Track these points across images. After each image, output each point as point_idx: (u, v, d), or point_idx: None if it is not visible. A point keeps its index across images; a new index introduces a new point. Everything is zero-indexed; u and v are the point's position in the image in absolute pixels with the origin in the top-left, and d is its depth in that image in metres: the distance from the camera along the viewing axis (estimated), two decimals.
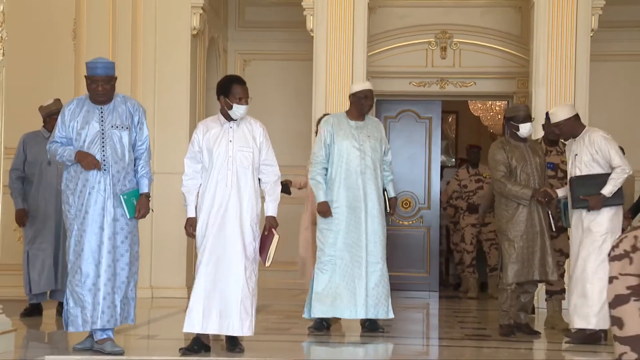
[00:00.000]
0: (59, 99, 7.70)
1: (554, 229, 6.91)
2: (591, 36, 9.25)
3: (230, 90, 5.84)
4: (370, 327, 6.94)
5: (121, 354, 5.66)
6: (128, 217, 5.74)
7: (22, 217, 7.58)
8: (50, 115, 7.53)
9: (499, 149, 6.86)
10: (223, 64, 10.95)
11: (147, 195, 5.89)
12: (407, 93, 11.04)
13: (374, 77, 10.73)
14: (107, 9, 9.53)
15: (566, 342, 6.66)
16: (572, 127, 6.69)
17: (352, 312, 6.82)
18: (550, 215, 6.86)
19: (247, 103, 5.85)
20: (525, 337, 6.79)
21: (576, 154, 6.64)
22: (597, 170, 6.57)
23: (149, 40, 9.60)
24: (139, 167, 5.86)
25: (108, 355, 5.63)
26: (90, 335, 5.76)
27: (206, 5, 9.76)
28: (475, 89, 10.97)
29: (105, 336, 5.71)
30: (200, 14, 9.64)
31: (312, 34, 9.51)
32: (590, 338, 6.53)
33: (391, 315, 6.88)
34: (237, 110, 5.81)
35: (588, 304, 6.51)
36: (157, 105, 9.36)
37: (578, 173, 6.60)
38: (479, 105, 13.02)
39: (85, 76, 5.82)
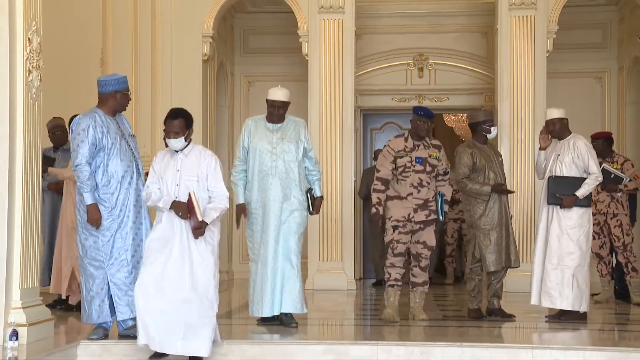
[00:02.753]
0: (57, 117, 7.75)
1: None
2: (547, 57, 9.31)
3: (165, 124, 5.37)
4: (285, 321, 6.22)
5: None
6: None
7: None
8: (53, 129, 7.62)
9: (466, 151, 6.77)
10: (230, 85, 10.97)
11: None
12: (389, 108, 11.08)
13: (361, 95, 10.76)
14: (130, 40, 9.57)
15: (546, 322, 6.65)
16: (562, 129, 6.72)
17: (269, 310, 6.14)
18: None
19: (176, 137, 5.28)
20: (499, 319, 6.76)
21: (559, 154, 6.66)
22: (574, 172, 6.61)
23: (166, 66, 9.64)
24: None
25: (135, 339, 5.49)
26: (100, 326, 5.59)
27: (215, 35, 9.80)
28: (449, 103, 11.00)
29: (134, 323, 5.57)
30: (210, 43, 9.67)
31: (307, 58, 9.56)
32: (571, 316, 6.56)
33: (305, 310, 6.24)
34: (169, 144, 5.37)
35: (552, 287, 6.55)
36: None
37: (558, 171, 6.61)
38: (452, 118, 13.05)
39: (117, 91, 5.62)
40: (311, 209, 6.30)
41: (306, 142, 6.33)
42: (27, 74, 5.55)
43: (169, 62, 9.63)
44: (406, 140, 6.69)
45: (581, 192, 6.55)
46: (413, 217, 6.60)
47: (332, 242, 9.35)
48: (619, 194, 7.95)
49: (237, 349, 5.55)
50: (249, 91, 11.15)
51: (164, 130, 5.35)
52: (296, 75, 10.55)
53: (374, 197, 6.66)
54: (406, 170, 6.60)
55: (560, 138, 6.73)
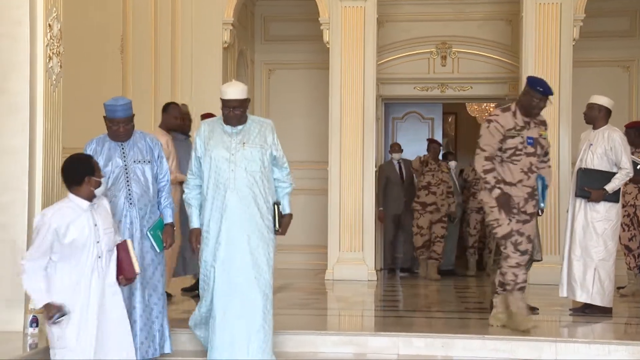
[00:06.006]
0: (185, 104, 7.68)
1: (540, 213, 6.80)
2: (573, 45, 9.21)
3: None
4: None
5: None
6: (158, 251, 5.24)
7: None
8: (184, 114, 7.37)
9: None
10: (250, 73, 10.96)
11: (172, 225, 5.35)
12: (412, 97, 11.02)
13: (383, 83, 10.71)
14: (150, 26, 9.59)
15: (570, 315, 6.63)
16: (597, 117, 6.61)
17: (229, 353, 5.04)
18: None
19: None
20: None
21: (591, 144, 6.58)
22: (605, 164, 6.52)
23: (186, 53, 9.64)
24: (162, 199, 5.32)
25: None
26: None
27: (235, 22, 9.78)
28: (472, 92, 10.92)
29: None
30: (230, 30, 9.66)
31: (328, 46, 9.53)
32: (596, 310, 6.51)
33: None
34: (96, 194, 4.60)
35: (574, 279, 6.51)
36: (194, 111, 9.38)
37: (589, 161, 6.53)
38: (475, 107, 12.98)
39: (104, 117, 5.18)
40: (277, 227, 5.15)
41: (274, 147, 5.18)
42: (48, 60, 5.58)
43: (189, 50, 9.63)
44: (514, 115, 5.70)
45: (610, 187, 6.47)
46: (524, 208, 5.76)
47: (352, 232, 9.35)
48: None
49: None
50: (270, 79, 11.14)
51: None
52: (317, 63, 10.53)
53: (491, 178, 5.67)
54: (517, 153, 5.68)
55: (595, 127, 6.66)
